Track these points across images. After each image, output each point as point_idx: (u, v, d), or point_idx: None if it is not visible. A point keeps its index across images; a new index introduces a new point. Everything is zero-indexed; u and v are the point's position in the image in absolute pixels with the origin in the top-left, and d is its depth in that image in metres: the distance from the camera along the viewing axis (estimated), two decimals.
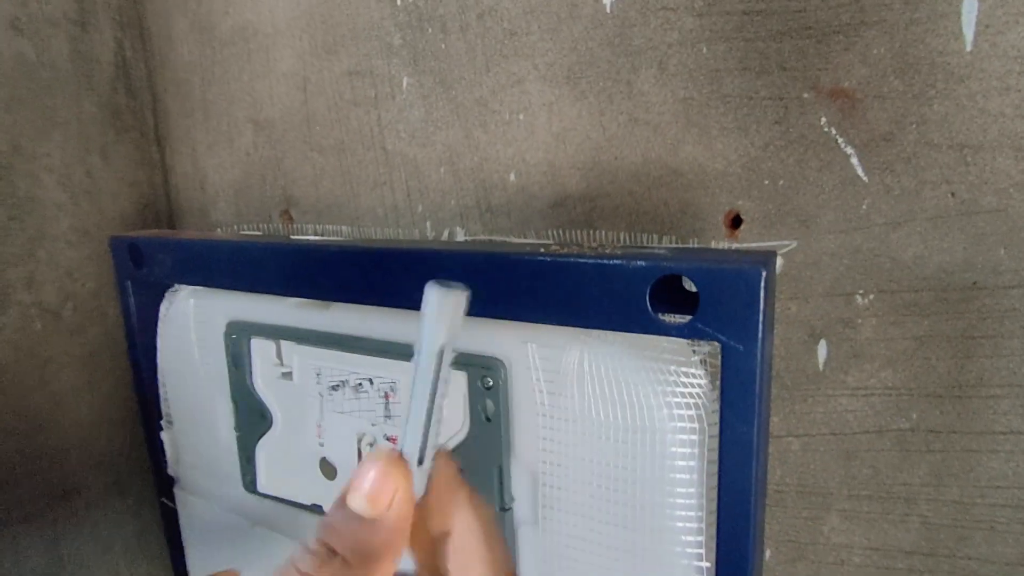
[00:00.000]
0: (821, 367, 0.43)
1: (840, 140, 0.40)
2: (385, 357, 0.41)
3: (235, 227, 0.66)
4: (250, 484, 0.51)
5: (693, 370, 0.32)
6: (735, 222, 0.43)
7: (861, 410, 0.42)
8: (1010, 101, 0.36)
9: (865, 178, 0.39)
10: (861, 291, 0.41)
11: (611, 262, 0.30)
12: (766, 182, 0.42)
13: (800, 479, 0.45)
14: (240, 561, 0.53)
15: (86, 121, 0.66)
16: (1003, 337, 0.38)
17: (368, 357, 0.42)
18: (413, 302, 0.41)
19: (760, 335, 0.28)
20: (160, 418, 0.58)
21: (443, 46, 0.51)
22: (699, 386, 0.32)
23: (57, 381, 0.66)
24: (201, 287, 0.51)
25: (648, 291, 0.30)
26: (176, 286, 0.53)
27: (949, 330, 0.39)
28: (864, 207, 0.40)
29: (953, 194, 0.38)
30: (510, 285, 0.34)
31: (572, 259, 0.31)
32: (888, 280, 0.40)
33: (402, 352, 0.41)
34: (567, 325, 0.33)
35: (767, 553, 0.47)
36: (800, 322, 0.43)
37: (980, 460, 0.40)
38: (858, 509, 0.44)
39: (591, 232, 0.47)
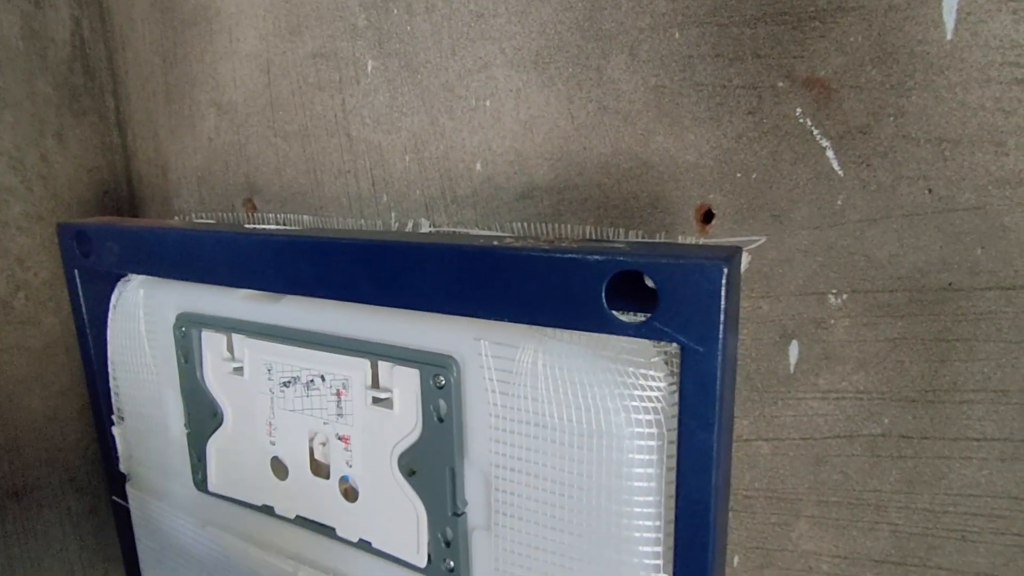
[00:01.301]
0: (792, 369, 0.41)
1: (815, 132, 0.38)
2: (338, 353, 0.39)
3: (196, 215, 0.64)
4: (201, 483, 0.48)
5: (653, 372, 0.30)
6: (706, 217, 0.42)
7: (832, 414, 0.41)
8: (990, 93, 0.34)
9: (840, 172, 0.38)
10: (834, 290, 0.39)
11: (566, 256, 0.29)
12: (739, 175, 0.40)
13: (769, 484, 0.43)
14: (191, 563, 0.51)
15: (40, 102, 0.63)
16: (979, 340, 0.37)
17: (320, 353, 0.40)
18: (365, 296, 0.39)
19: (721, 336, 0.27)
20: (111, 413, 0.55)
21: (408, 28, 0.49)
22: (659, 389, 0.30)
23: (7, 373, 0.63)
24: (151, 277, 0.49)
25: (604, 287, 0.28)
26: (127, 276, 0.51)
27: (923, 332, 0.38)
28: (839, 202, 0.38)
29: (930, 190, 0.36)
30: (463, 279, 0.32)
31: (526, 252, 0.30)
32: (862, 279, 0.38)
33: (355, 348, 0.39)
34: (520, 322, 0.31)
35: (735, 559, 0.46)
36: (771, 322, 0.41)
37: (952, 467, 0.39)
38: (827, 516, 0.42)
39: (558, 226, 0.45)
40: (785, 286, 0.40)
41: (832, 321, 0.40)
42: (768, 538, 0.44)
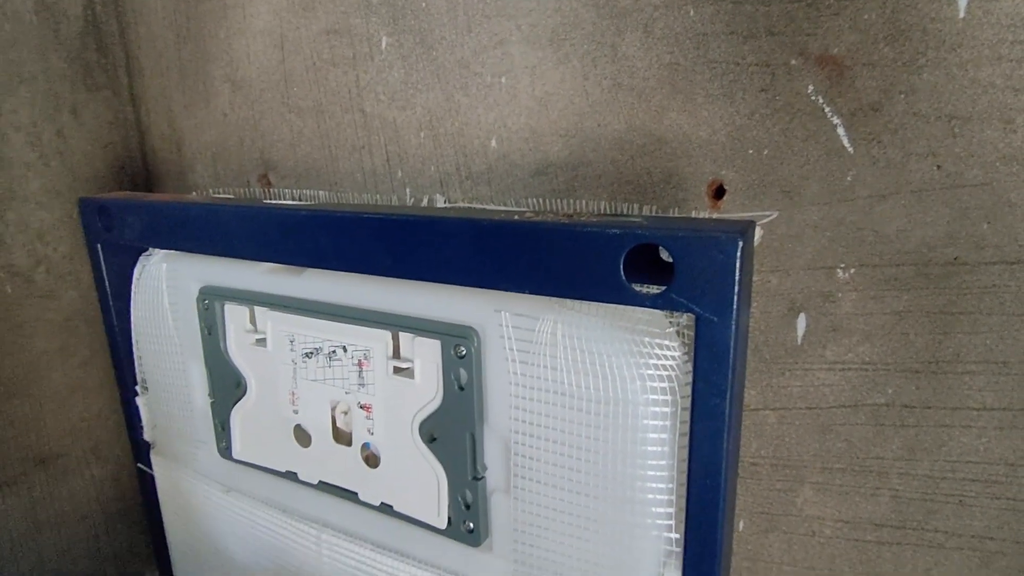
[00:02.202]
0: (800, 341, 0.42)
1: (827, 109, 0.39)
2: (359, 324, 0.41)
3: (211, 191, 0.65)
4: (225, 450, 0.50)
5: (667, 342, 0.32)
6: (718, 192, 0.42)
7: (837, 384, 0.42)
8: (1001, 71, 0.35)
9: (851, 149, 0.39)
10: (842, 264, 0.40)
11: (585, 230, 0.30)
12: (751, 151, 0.41)
13: (775, 452, 0.45)
14: (216, 528, 0.53)
15: (54, 78, 0.64)
16: (982, 314, 0.38)
17: (342, 324, 0.41)
18: (387, 269, 0.40)
19: (735, 307, 0.28)
20: (135, 383, 0.57)
21: (423, 4, 0.49)
22: (673, 358, 0.32)
23: (30, 347, 0.64)
24: (174, 251, 0.50)
25: (622, 260, 0.29)
26: (149, 250, 0.52)
27: (928, 305, 0.39)
28: (849, 179, 0.39)
29: (939, 167, 0.37)
30: (483, 252, 0.33)
31: (545, 226, 0.31)
32: (870, 254, 0.39)
33: (377, 320, 0.40)
34: (540, 294, 0.32)
35: (740, 524, 0.48)
36: (780, 295, 0.42)
37: (952, 435, 0.40)
38: (831, 482, 0.44)
39: (572, 202, 0.46)
40: (795, 260, 0.41)
41: (840, 294, 0.41)
42: (773, 503, 0.46)
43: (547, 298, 0.34)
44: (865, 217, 0.39)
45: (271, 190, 0.61)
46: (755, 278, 0.43)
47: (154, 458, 0.58)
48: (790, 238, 0.41)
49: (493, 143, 0.49)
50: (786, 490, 0.45)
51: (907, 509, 0.42)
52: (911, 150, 0.37)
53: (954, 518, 0.41)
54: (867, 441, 0.42)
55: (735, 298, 0.28)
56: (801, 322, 0.42)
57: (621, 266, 0.30)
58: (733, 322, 0.28)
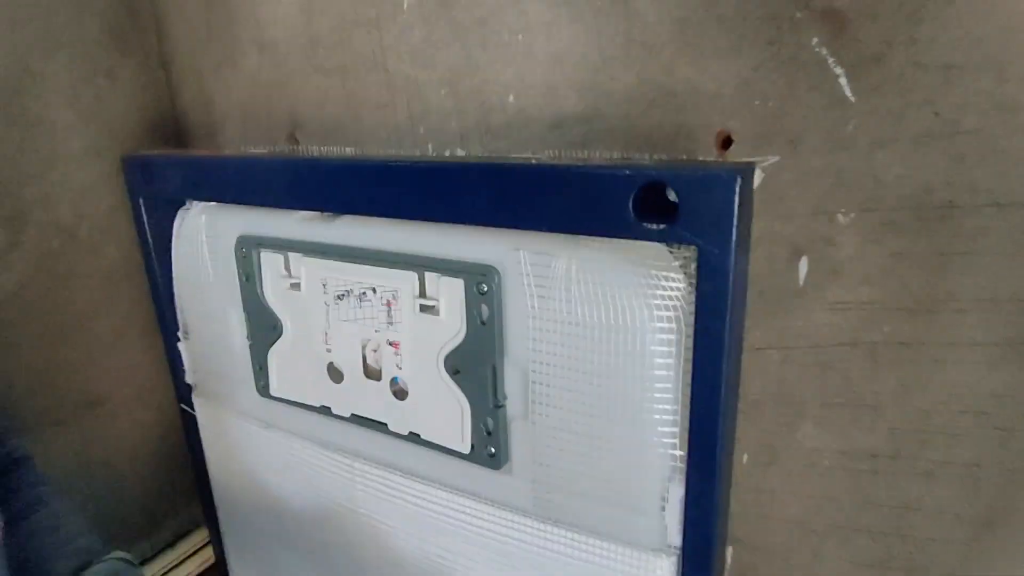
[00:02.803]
0: (802, 283, 0.45)
1: (830, 60, 0.41)
2: (387, 267, 0.44)
3: (242, 149, 0.68)
4: (263, 389, 0.54)
5: (673, 274, 0.34)
6: (726, 143, 0.45)
7: (837, 324, 0.45)
8: (996, 23, 0.36)
9: (853, 98, 0.41)
10: (843, 210, 0.42)
11: (598, 170, 0.32)
12: (757, 103, 0.43)
13: (778, 389, 0.48)
14: (255, 462, 0.57)
15: (90, 42, 0.67)
16: (975, 254, 0.40)
17: (371, 267, 0.44)
18: (414, 212, 0.43)
19: (734, 239, 0.31)
20: (177, 330, 0.61)
21: None
22: (678, 289, 0.34)
23: (77, 298, 0.69)
24: (212, 203, 0.53)
25: (632, 198, 0.32)
26: (188, 203, 0.55)
27: (924, 248, 0.41)
28: (850, 127, 0.41)
29: (937, 114, 0.39)
30: (504, 194, 0.36)
31: (562, 167, 0.33)
32: (869, 199, 0.42)
33: (404, 262, 0.43)
34: (557, 232, 0.35)
35: (744, 458, 0.51)
36: (784, 240, 0.45)
37: (945, 370, 0.43)
38: (830, 416, 0.47)
39: (587, 153, 0.49)
40: (798, 207, 0.43)
41: (840, 239, 0.43)
42: (775, 437, 0.49)
43: (562, 236, 0.37)
44: (865, 164, 0.41)
45: (298, 148, 0.64)
46: (759, 225, 0.45)
47: (196, 400, 0.62)
48: (793, 186, 0.43)
49: (511, 98, 0.51)
50: (787, 425, 0.48)
51: (901, 440, 0.45)
52: (910, 99, 0.39)
53: (945, 448, 0.44)
54: (865, 377, 0.45)
55: (734, 231, 0.31)
56: (803, 266, 0.45)
57: (631, 203, 0.33)
58: (732, 253, 0.31)
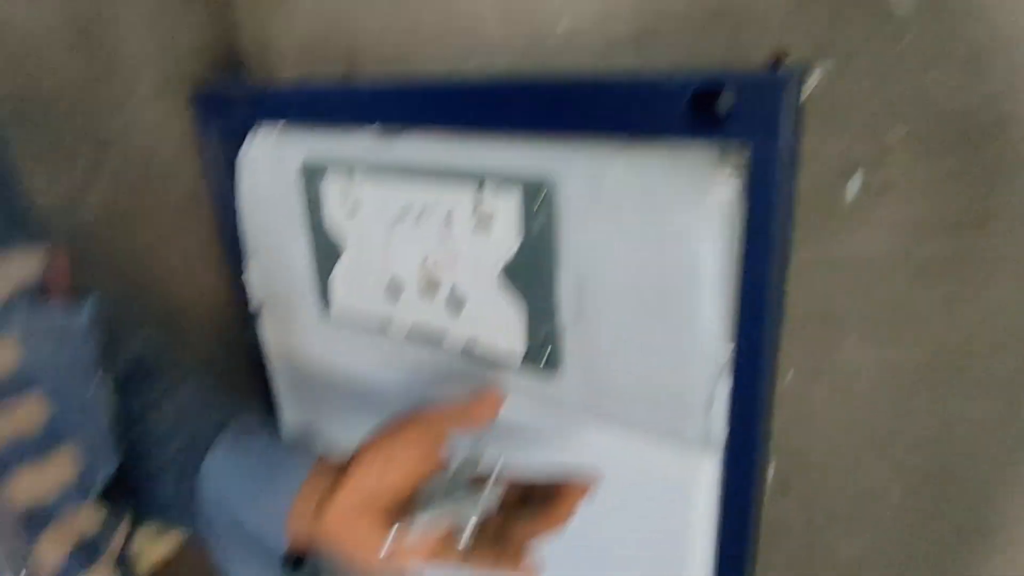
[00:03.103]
0: (850, 201, 0.46)
1: None
2: (446, 184, 0.46)
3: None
4: (325, 311, 0.58)
5: (724, 179, 0.36)
6: (778, 61, 0.45)
7: (884, 241, 0.45)
8: None
9: (906, 15, 0.41)
10: (893, 128, 0.43)
11: (654, 76, 0.34)
12: (809, 20, 0.43)
13: (824, 306, 0.49)
14: (322, 385, 0.61)
15: None
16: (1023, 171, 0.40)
17: (430, 184, 0.47)
18: (473, 126, 0.44)
19: (786, 140, 0.32)
20: (243, 257, 0.65)
21: None
22: (729, 194, 0.36)
23: (149, 232, 0.73)
24: (277, 130, 0.56)
25: (686, 101, 0.34)
26: (254, 132, 0.59)
27: (973, 165, 0.42)
28: (903, 44, 0.41)
29: (991, 31, 0.39)
30: (560, 104, 0.38)
31: (618, 76, 0.35)
32: (920, 117, 0.42)
33: (461, 177, 0.45)
34: (612, 139, 0.37)
35: (789, 374, 0.52)
36: (833, 158, 0.45)
37: (991, 286, 0.43)
38: (875, 332, 0.48)
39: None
40: (848, 125, 0.44)
41: (890, 156, 0.43)
42: (819, 354, 0.51)
43: (616, 145, 0.38)
44: (917, 81, 0.41)
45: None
46: (809, 143, 0.46)
47: (262, 324, 0.66)
48: (844, 103, 0.44)
49: (564, 24, 0.52)
50: (832, 341, 0.50)
51: (945, 355, 0.46)
52: (964, 15, 0.39)
53: (988, 362, 0.45)
54: (910, 293, 0.46)
55: (786, 133, 0.32)
56: (853, 183, 0.45)
57: (685, 107, 0.34)
58: (783, 154, 0.32)
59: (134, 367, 0.46)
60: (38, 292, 0.34)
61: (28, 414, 0.31)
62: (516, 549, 0.33)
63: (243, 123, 0.56)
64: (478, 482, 0.34)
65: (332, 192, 0.53)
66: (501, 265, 0.45)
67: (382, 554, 0.34)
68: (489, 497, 0.33)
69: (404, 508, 0.35)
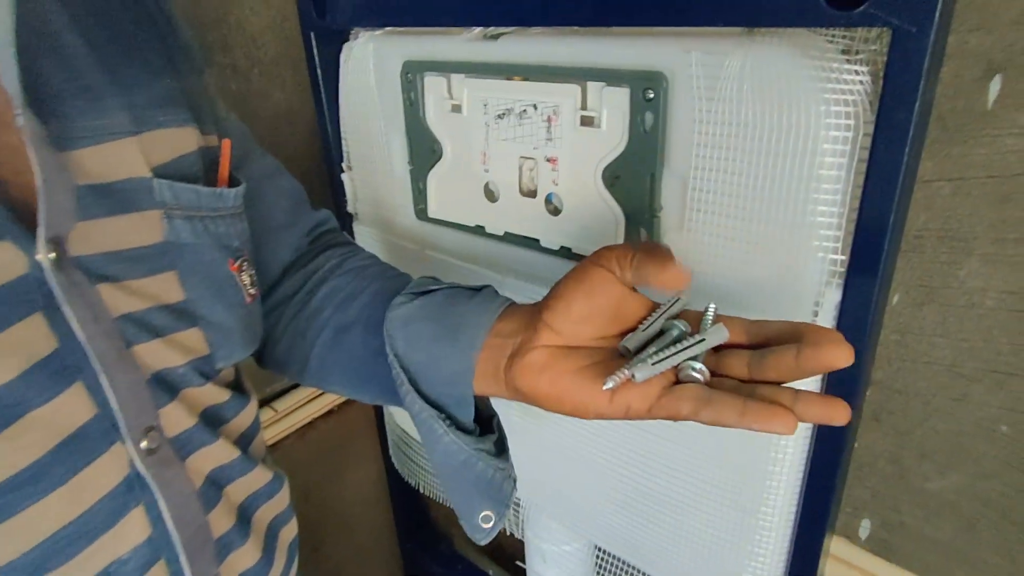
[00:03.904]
0: (990, 105, 0.42)
1: None
2: (549, 82, 0.45)
3: None
4: (422, 212, 0.59)
5: (856, 67, 0.33)
6: None
7: None
8: None
9: None
10: None
11: None
12: None
13: (944, 224, 0.46)
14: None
15: None
16: None
17: (533, 83, 0.46)
18: (579, 20, 0.43)
19: (937, 16, 0.29)
20: (342, 161, 0.66)
21: None
22: (860, 82, 0.33)
23: (253, 130, 0.76)
24: (379, 31, 0.56)
25: None
26: (355, 33, 0.59)
27: None
28: None
29: None
30: None
31: None
32: None
33: (567, 74, 0.44)
34: (736, 25, 0.35)
35: (895, 298, 0.50)
36: (977, 56, 0.41)
37: None
38: (1002, 253, 0.44)
39: None
40: (1000, 15, 0.40)
41: None
42: (934, 276, 0.48)
43: (736, 36, 0.36)
44: None
45: None
46: (951, 39, 0.42)
47: (356, 228, 0.68)
48: None
49: None
50: (950, 262, 0.46)
51: None
52: None
53: None
54: None
55: (934, 15, 0.29)
56: (995, 84, 0.41)
57: None
58: (932, 31, 0.29)
59: (316, 234, 0.47)
60: (202, 172, 0.34)
61: (163, 289, 0.32)
62: (764, 396, 0.27)
63: (347, 20, 0.57)
64: (687, 332, 0.30)
65: (433, 92, 0.53)
66: (604, 165, 0.44)
67: (604, 406, 0.31)
68: (713, 339, 0.29)
69: (611, 359, 0.31)
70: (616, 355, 0.32)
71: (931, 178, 0.45)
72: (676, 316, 0.31)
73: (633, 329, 0.32)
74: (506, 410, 0.38)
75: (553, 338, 0.32)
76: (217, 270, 0.35)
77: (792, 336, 0.28)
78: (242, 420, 0.38)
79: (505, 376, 0.34)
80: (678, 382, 0.30)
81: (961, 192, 0.45)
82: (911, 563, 0.57)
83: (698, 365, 0.29)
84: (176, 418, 0.33)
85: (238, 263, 0.36)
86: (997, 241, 0.44)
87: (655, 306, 0.32)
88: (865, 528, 0.58)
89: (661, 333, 0.31)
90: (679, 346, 0.29)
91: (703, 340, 0.29)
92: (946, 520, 0.54)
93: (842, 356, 0.26)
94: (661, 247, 0.30)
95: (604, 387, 0.30)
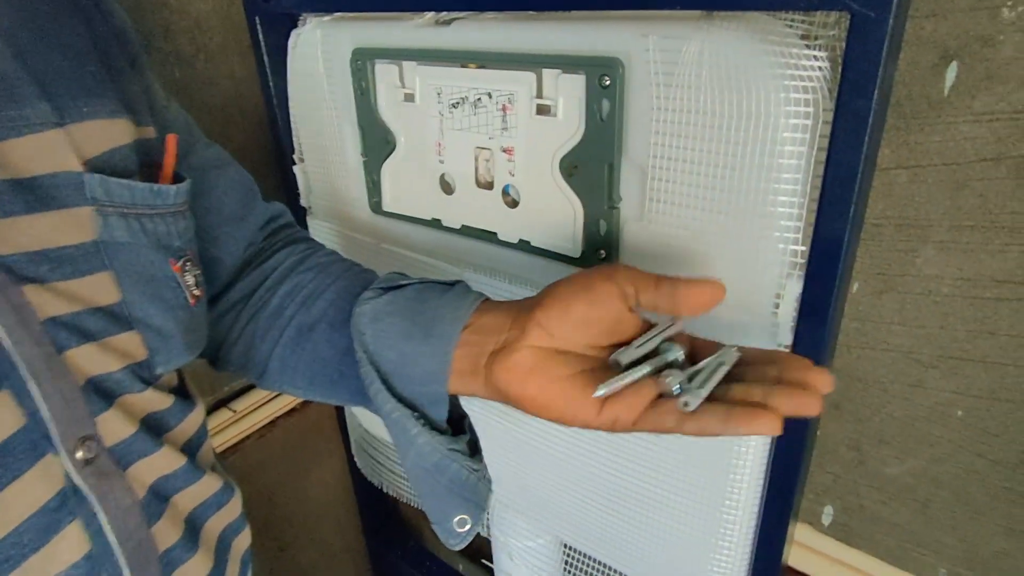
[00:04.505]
0: (946, 92, 0.42)
1: None
2: (504, 69, 0.43)
3: None
4: (376, 205, 0.57)
5: (814, 52, 0.33)
6: None
7: (982, 137, 0.41)
8: None
9: None
10: (1010, 2, 0.38)
11: None
12: None
13: (901, 211, 0.46)
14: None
15: None
16: None
17: (487, 71, 0.44)
18: (532, 3, 0.41)
19: (893, 5, 0.28)
20: (292, 153, 0.64)
21: None
22: (819, 68, 0.33)
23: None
24: (326, 18, 0.54)
25: None
26: (303, 19, 0.56)
27: None
28: None
29: None
30: None
31: None
32: None
33: (522, 61, 0.42)
34: (695, 8, 0.33)
35: (854, 286, 0.50)
36: (933, 43, 0.41)
37: None
38: (957, 240, 0.45)
39: None
40: (955, 2, 0.39)
41: (1001, 37, 0.39)
42: (891, 264, 0.48)
43: (694, 20, 0.35)
44: None
45: None
46: (908, 26, 0.41)
47: (311, 222, 0.66)
48: None
49: None
50: (907, 250, 0.47)
51: None
52: None
53: None
54: (1005, 195, 0.42)
55: None
56: (951, 72, 0.41)
57: None
58: (891, 16, 0.29)
59: (271, 229, 0.45)
60: (137, 166, 0.32)
61: (96, 291, 0.30)
62: (745, 405, 0.27)
63: (293, 4, 0.54)
64: (682, 355, 0.30)
65: (384, 80, 0.51)
66: (561, 155, 0.43)
67: (591, 416, 0.30)
68: (729, 361, 0.29)
69: (599, 369, 0.31)
70: (605, 366, 0.31)
71: (888, 166, 0.45)
72: (670, 339, 0.31)
73: (624, 343, 0.31)
74: (466, 402, 0.36)
75: (544, 339, 0.31)
76: (156, 271, 0.33)
77: (767, 361, 0.29)
78: (187, 427, 0.36)
79: (485, 374, 0.32)
80: (660, 396, 0.29)
81: (918, 180, 0.44)
82: (870, 546, 0.57)
83: (684, 379, 0.29)
84: (114, 426, 0.31)
85: (180, 263, 0.34)
86: (953, 228, 0.45)
87: (648, 326, 0.31)
88: (828, 515, 0.59)
89: (654, 353, 0.30)
90: (717, 371, 0.29)
91: (723, 364, 0.29)
92: (903, 504, 0.55)
93: (824, 383, 0.27)
94: (705, 283, 0.29)
95: (595, 394, 0.29)
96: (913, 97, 0.43)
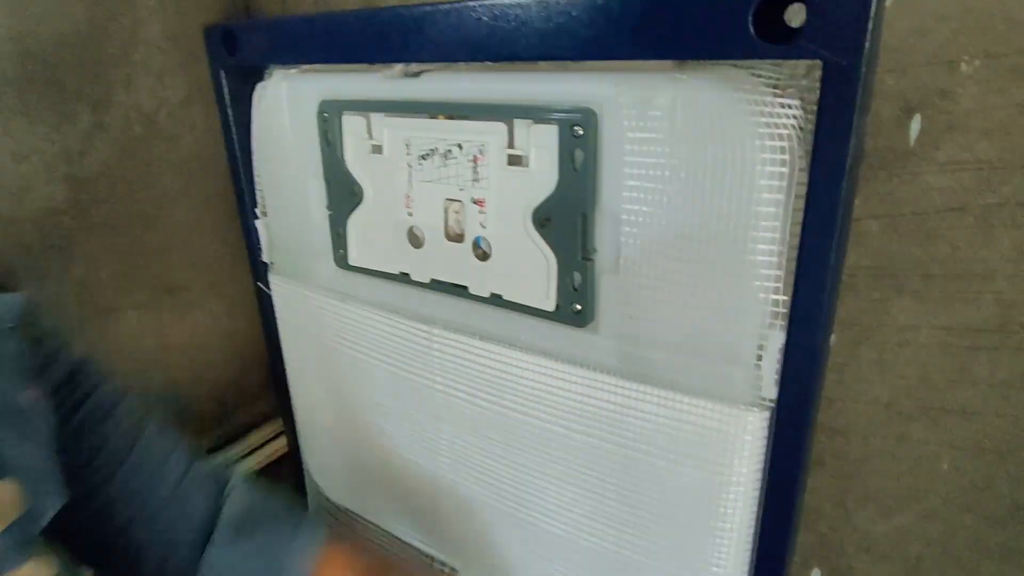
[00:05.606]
0: (911, 143, 0.42)
1: None
2: (474, 119, 0.43)
3: None
4: (342, 259, 0.55)
5: (788, 101, 0.32)
6: None
7: (948, 187, 0.42)
8: None
9: None
10: (967, 56, 0.39)
11: None
12: None
13: (875, 261, 0.46)
14: (332, 337, 0.58)
15: None
16: None
17: (457, 122, 0.44)
18: (503, 55, 0.41)
19: (867, 48, 0.28)
20: (256, 207, 0.62)
21: None
22: (793, 117, 0.32)
23: (157, 184, 0.70)
24: (293, 70, 0.53)
25: (751, 13, 0.30)
26: (270, 70, 0.55)
27: None
28: None
29: None
30: (606, 21, 0.34)
31: None
32: (998, 43, 0.38)
33: (493, 112, 0.42)
34: (665, 58, 0.33)
35: (832, 337, 0.49)
36: (895, 96, 0.42)
37: None
38: (931, 289, 0.44)
39: None
40: (915, 57, 0.40)
41: (960, 90, 0.40)
42: (867, 314, 0.47)
43: (667, 68, 0.35)
44: (997, 3, 0.38)
45: None
46: None
47: (272, 278, 0.63)
48: (912, 33, 0.40)
49: None
50: (882, 300, 0.46)
51: (1009, 312, 0.43)
52: None
53: None
54: (974, 244, 0.42)
55: (867, 39, 0.28)
56: (915, 124, 0.42)
57: (750, 19, 0.31)
58: (863, 66, 0.29)
59: (69, 384, 0.42)
60: None
61: None
62: None
63: (259, 58, 0.53)
64: None
65: (352, 132, 0.50)
66: (533, 207, 0.42)
67: None
68: None
69: None
70: None
71: (860, 216, 0.45)
72: None
73: None
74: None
75: None
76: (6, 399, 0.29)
77: None
78: None
79: None
80: None
81: (889, 229, 0.45)
82: None
83: None
84: None
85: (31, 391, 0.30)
86: (925, 278, 0.45)
87: None
88: None
89: None
90: None
91: None
92: (892, 564, 0.53)
93: None
94: None
95: None
96: (880, 149, 0.43)
